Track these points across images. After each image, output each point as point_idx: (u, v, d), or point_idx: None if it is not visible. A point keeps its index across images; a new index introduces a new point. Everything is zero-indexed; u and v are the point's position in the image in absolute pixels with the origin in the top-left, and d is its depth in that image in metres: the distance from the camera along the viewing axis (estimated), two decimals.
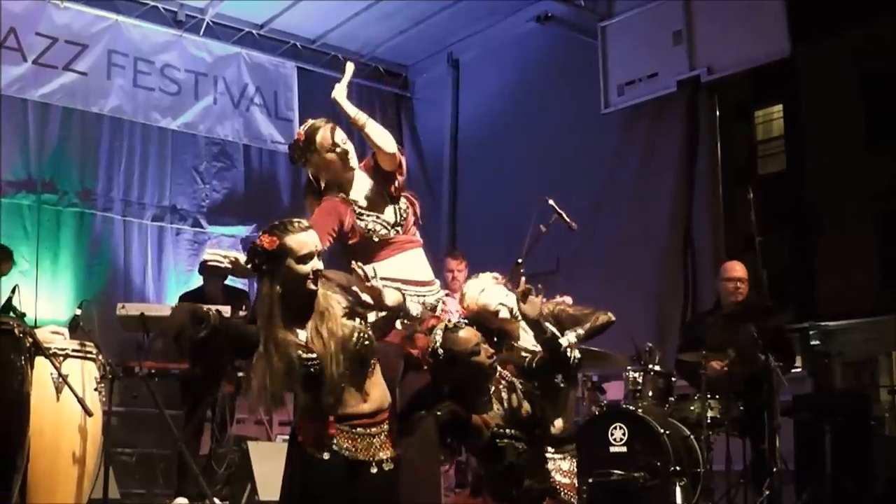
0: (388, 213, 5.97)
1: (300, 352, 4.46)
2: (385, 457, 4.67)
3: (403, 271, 5.86)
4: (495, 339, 5.59)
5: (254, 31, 13.28)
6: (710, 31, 10.90)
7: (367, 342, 4.60)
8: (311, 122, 6.03)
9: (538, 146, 12.56)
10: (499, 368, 5.24)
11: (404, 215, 6.01)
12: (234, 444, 9.67)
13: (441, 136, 14.06)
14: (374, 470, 4.63)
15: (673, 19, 11.20)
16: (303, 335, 4.53)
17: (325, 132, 5.88)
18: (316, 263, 4.55)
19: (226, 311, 9.29)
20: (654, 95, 11.49)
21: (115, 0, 12.25)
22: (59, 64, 11.74)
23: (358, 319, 4.63)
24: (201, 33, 12.87)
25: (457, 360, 4.99)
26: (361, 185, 6.04)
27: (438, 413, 4.98)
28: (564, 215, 7.04)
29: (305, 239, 4.55)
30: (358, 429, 4.61)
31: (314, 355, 4.46)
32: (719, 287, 9.23)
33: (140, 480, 10.29)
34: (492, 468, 5.09)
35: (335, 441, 4.56)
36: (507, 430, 5.02)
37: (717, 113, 11.26)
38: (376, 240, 5.90)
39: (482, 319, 5.60)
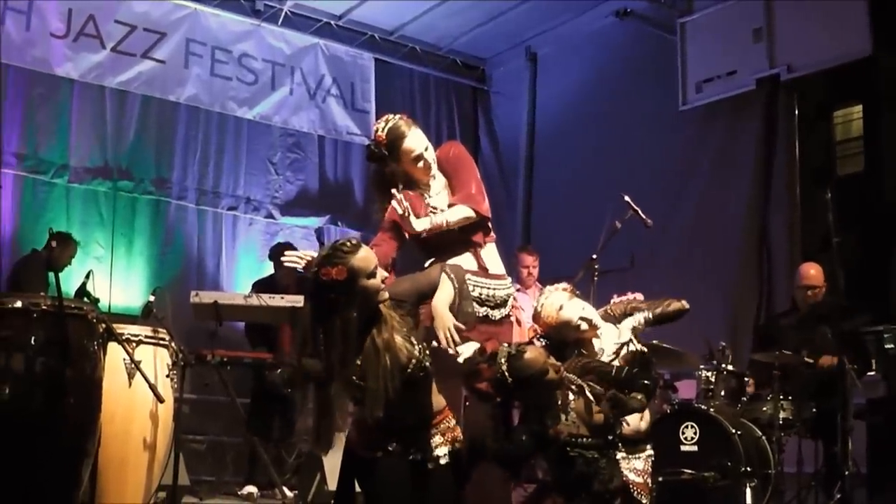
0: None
1: (354, 379, 4.47)
2: (442, 453, 4.69)
3: (476, 264, 5.81)
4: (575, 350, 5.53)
5: (331, 22, 13.28)
6: (790, 29, 10.75)
7: (421, 372, 4.59)
8: (391, 121, 5.77)
9: (614, 142, 12.47)
10: (567, 375, 5.17)
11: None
12: (305, 434, 9.70)
13: (517, 130, 14.00)
14: (430, 465, 4.64)
15: (753, 16, 11.05)
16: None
17: (412, 141, 5.70)
18: (382, 274, 4.57)
19: (299, 300, 9.35)
20: (733, 93, 11.34)
21: None
22: (137, 52, 11.82)
23: (416, 346, 4.59)
24: (279, 23, 12.91)
25: (527, 384, 4.93)
26: (436, 184, 5.91)
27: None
28: (640, 212, 7.01)
29: (366, 255, 4.50)
30: (410, 436, 4.65)
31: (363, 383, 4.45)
32: (795, 289, 9.16)
33: (210, 467, 10.38)
34: (563, 475, 5.03)
35: (389, 446, 4.59)
36: (578, 439, 4.96)
37: (797, 112, 11.10)
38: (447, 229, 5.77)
39: (561, 334, 5.55)
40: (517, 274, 9.82)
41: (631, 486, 5.64)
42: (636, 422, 5.63)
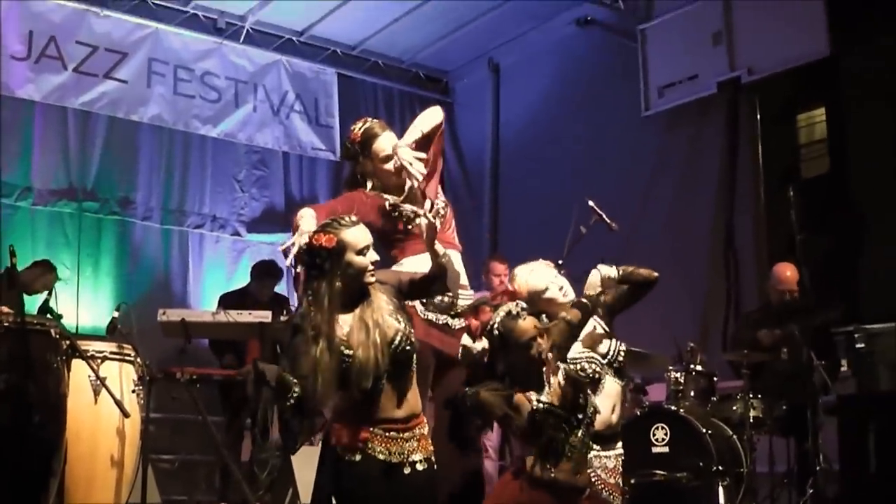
0: (426, 207, 5.88)
1: (342, 347, 4.51)
2: (419, 458, 4.69)
3: None
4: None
5: (294, 38, 13.27)
6: (749, 32, 10.81)
7: (408, 346, 4.65)
8: (368, 122, 5.95)
9: (580, 150, 12.48)
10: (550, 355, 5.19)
11: (443, 213, 5.92)
12: (277, 450, 9.66)
13: (482, 141, 14.00)
14: (406, 470, 4.65)
15: (712, 20, 11.11)
16: (344, 329, 4.57)
17: (384, 142, 5.81)
18: (373, 255, 4.66)
19: (266, 315, 9.36)
20: (695, 97, 11.39)
21: (156, 8, 12.30)
22: (99, 72, 11.76)
23: (402, 322, 4.67)
24: (241, 41, 12.89)
25: (509, 346, 5.01)
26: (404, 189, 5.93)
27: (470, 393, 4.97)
28: (604, 216, 7.01)
29: (360, 233, 4.65)
30: (391, 433, 4.63)
31: (351, 351, 4.50)
32: (770, 290, 9.20)
33: (182, 486, 10.32)
34: (531, 443, 5.00)
35: (368, 445, 4.58)
36: (547, 406, 4.95)
37: (759, 114, 11.13)
38: (410, 227, 5.76)
39: (535, 305, 5.56)
40: (488, 282, 9.81)
41: (602, 485, 5.65)
42: (607, 414, 5.62)
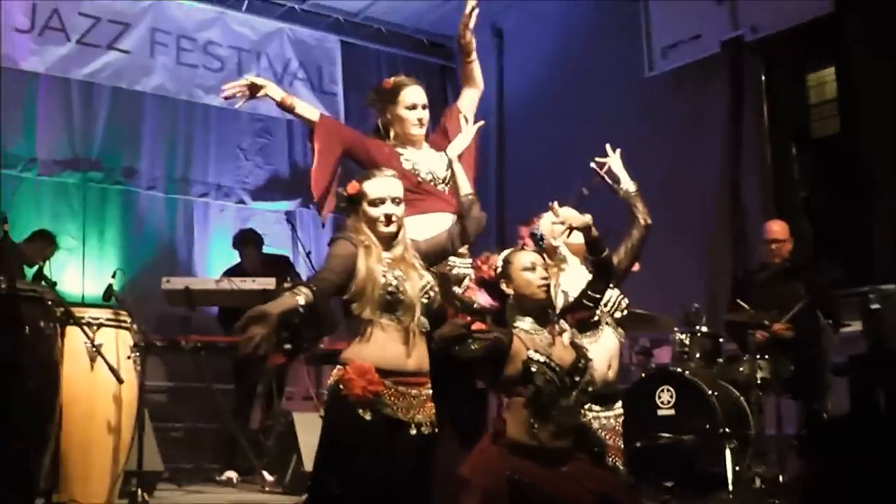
0: (439, 168, 5.94)
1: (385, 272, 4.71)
2: (423, 420, 4.72)
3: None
4: None
5: (296, 7, 13.20)
6: None
7: (434, 295, 4.85)
8: (403, 76, 6.20)
9: (584, 111, 12.33)
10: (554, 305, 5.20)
11: None
12: (283, 417, 9.66)
13: (487, 106, 13.83)
14: (412, 431, 4.68)
15: None
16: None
17: (414, 92, 6.02)
18: (389, 208, 4.85)
19: (270, 283, 9.33)
20: (698, 57, 11.28)
21: None
22: (102, 43, 11.72)
23: (431, 276, 4.89)
24: (244, 9, 12.84)
25: (511, 274, 5.09)
26: (424, 152, 6.04)
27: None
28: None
29: (380, 184, 4.90)
30: (400, 387, 4.67)
31: (391, 277, 4.69)
32: (760, 245, 9.12)
33: (188, 455, 10.33)
34: (517, 392, 4.94)
35: (379, 399, 4.60)
36: (543, 359, 4.91)
37: (763, 74, 11.02)
38: (419, 181, 5.87)
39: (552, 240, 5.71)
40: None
41: (608, 451, 5.56)
42: (603, 369, 5.54)
